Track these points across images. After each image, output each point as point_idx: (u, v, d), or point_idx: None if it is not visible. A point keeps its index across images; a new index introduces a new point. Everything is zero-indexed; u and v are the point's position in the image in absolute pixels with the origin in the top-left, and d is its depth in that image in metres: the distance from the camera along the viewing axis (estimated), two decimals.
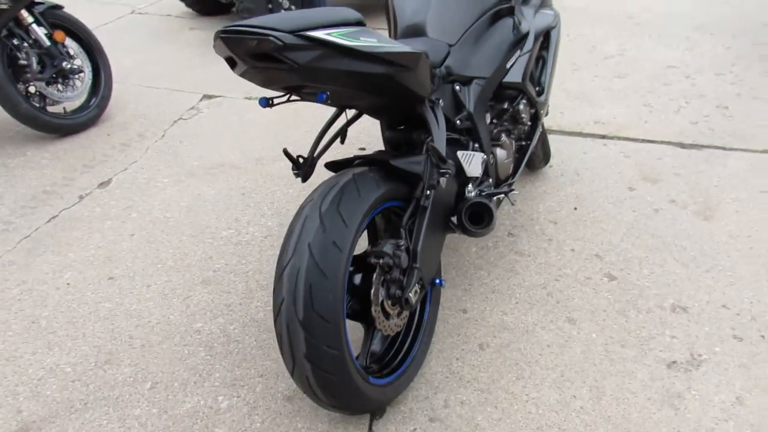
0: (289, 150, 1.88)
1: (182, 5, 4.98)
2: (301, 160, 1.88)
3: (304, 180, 1.92)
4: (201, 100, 3.63)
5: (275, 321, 1.50)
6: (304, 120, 3.41)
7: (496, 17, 2.10)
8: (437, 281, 1.80)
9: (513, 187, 2.02)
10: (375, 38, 1.49)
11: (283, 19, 1.38)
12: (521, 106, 2.22)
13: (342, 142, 2.00)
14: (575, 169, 2.97)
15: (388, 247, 1.62)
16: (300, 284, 1.44)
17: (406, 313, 1.77)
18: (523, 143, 2.36)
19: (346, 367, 1.49)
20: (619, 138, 3.25)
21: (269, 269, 2.32)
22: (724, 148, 3.16)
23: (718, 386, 1.84)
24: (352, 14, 1.49)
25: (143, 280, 2.26)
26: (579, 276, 2.29)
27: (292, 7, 4.28)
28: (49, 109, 3.09)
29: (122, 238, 2.47)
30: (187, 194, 2.76)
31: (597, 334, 2.04)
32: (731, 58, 4.32)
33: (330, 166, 1.77)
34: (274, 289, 1.50)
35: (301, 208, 1.55)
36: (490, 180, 2.05)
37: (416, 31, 1.97)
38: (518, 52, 2.17)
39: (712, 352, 1.96)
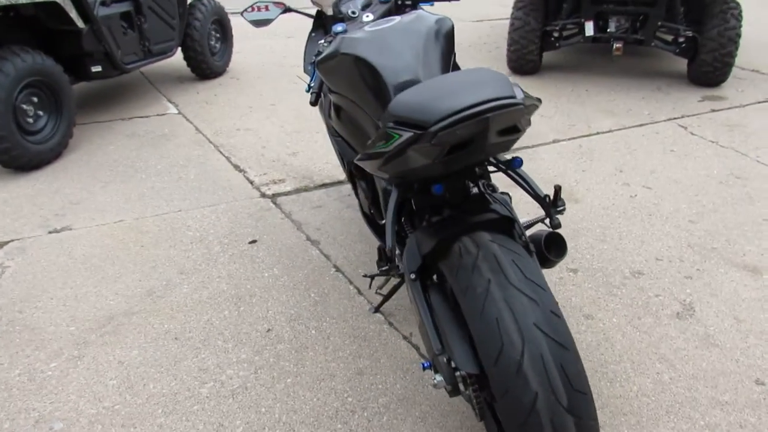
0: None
1: None
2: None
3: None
4: None
5: (524, 424, 1.30)
6: (151, 237, 2.83)
7: None
8: None
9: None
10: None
11: (497, 86, 1.29)
12: None
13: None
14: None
15: None
16: (551, 369, 1.30)
17: None
18: None
19: None
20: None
21: (296, 403, 1.90)
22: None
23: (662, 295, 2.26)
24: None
25: None
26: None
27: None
28: None
29: None
30: (106, 368, 2.04)
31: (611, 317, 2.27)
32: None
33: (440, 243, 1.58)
34: (508, 390, 1.31)
35: (482, 291, 1.37)
36: None
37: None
38: None
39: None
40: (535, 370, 1.29)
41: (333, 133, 2.38)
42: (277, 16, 2.58)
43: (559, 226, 1.67)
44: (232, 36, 5.42)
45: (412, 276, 1.66)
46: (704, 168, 3.48)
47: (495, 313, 1.34)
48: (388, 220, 1.69)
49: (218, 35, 5.24)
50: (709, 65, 4.67)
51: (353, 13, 2.38)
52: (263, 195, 3.23)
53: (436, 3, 2.50)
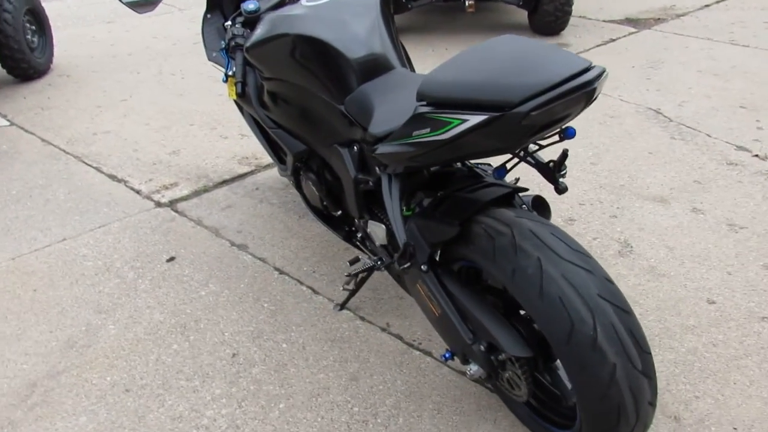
0: None
1: None
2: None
3: None
4: None
5: (604, 396, 1.27)
6: (41, 277, 2.35)
7: None
8: None
9: None
10: None
11: (569, 56, 1.21)
12: None
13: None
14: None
15: None
16: (624, 337, 1.28)
17: None
18: None
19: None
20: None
21: (299, 428, 1.71)
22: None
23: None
24: None
25: None
26: None
27: None
28: None
29: None
30: None
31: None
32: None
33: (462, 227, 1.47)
34: (584, 366, 1.27)
35: (534, 272, 1.30)
36: None
37: (385, 66, 1.75)
38: None
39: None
40: (610, 341, 1.25)
41: (269, 125, 2.12)
42: None
43: (565, 190, 1.64)
44: (50, 27, 4.66)
45: (424, 267, 1.54)
46: None
47: (556, 292, 1.27)
48: (395, 214, 1.54)
49: (34, 28, 4.48)
50: (551, 15, 4.97)
51: None
52: (159, 204, 2.83)
53: None
